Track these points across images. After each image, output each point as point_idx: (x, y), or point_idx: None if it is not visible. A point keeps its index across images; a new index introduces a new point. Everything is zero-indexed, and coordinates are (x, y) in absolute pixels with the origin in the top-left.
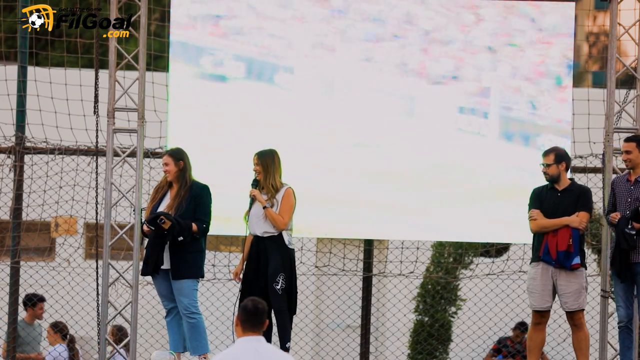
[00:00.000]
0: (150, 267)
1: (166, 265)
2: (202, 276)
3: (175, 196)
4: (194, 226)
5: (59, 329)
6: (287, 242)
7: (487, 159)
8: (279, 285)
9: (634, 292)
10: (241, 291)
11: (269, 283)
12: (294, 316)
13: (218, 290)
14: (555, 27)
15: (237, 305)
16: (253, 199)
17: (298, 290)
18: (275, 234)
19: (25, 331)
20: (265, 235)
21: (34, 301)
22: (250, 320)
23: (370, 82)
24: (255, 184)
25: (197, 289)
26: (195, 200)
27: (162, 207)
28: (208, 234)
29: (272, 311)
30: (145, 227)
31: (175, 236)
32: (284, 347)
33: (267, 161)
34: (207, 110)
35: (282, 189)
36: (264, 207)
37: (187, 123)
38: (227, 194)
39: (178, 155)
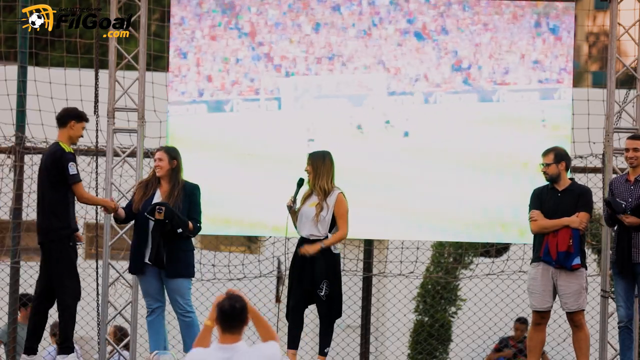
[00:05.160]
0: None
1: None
2: (194, 275)
3: (169, 195)
4: (190, 224)
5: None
6: (332, 247)
7: (487, 158)
8: (322, 292)
9: (634, 292)
10: (288, 290)
11: (313, 289)
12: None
13: (218, 291)
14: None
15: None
16: (302, 199)
17: None
18: (321, 238)
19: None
20: (312, 237)
21: (24, 302)
22: (227, 321)
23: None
24: (301, 183)
25: (191, 288)
26: (189, 199)
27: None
28: (200, 233)
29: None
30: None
31: (174, 228)
32: (323, 352)
33: (318, 162)
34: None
35: (333, 193)
36: (321, 247)
37: (187, 123)
38: (227, 194)
39: (173, 154)
